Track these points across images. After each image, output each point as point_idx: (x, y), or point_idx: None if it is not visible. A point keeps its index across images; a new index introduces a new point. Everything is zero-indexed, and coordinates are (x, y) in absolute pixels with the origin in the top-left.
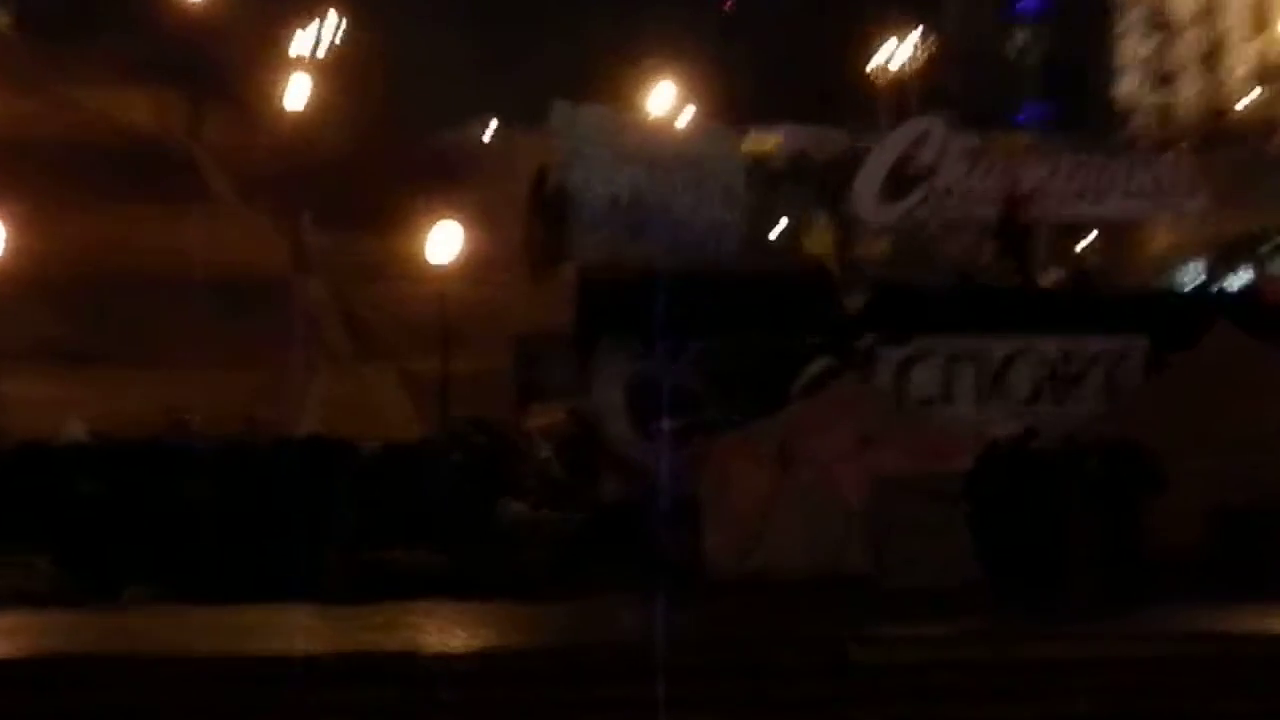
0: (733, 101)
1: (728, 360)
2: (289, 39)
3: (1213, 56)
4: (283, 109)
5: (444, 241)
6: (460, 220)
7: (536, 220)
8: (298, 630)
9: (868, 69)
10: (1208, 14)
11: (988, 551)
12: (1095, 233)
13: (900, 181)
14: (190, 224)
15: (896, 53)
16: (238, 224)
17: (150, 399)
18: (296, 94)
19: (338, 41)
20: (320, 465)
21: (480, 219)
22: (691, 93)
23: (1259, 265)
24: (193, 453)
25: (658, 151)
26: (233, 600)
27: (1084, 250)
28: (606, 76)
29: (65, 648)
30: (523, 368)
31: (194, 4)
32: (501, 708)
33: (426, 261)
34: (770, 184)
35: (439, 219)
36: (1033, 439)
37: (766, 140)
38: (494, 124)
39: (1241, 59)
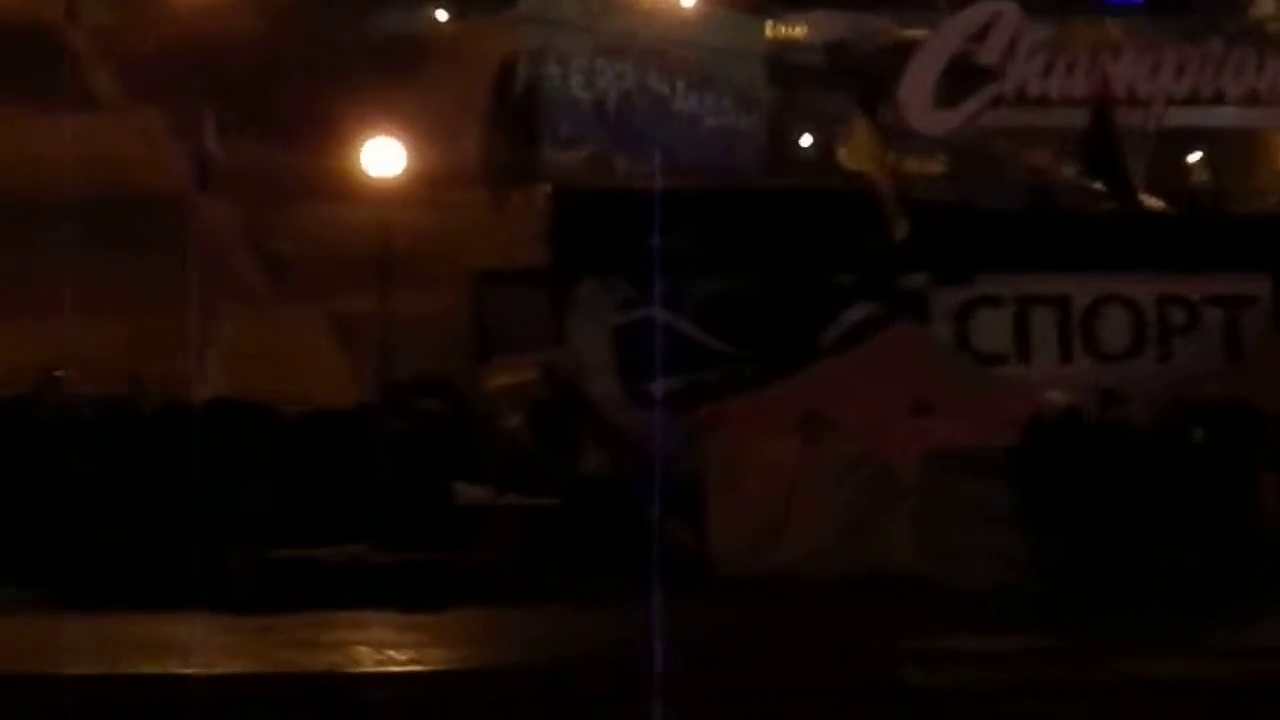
0: None
1: (742, 304)
2: None
3: None
4: None
5: (384, 155)
6: (404, 129)
7: (499, 129)
8: (197, 646)
9: None
10: None
11: (1043, 549)
12: (1208, 145)
13: (960, 81)
14: (62, 130)
15: None
16: (122, 130)
17: (11, 352)
18: None
19: None
20: (226, 436)
21: (430, 127)
22: None
23: None
24: (66, 421)
25: (655, 40)
26: (117, 608)
27: (1193, 167)
28: None
29: None
30: (482, 313)
31: None
32: None
33: (362, 179)
34: (797, 83)
35: (376, 128)
36: (1115, 404)
37: (793, 28)
38: (445, 7)
39: None
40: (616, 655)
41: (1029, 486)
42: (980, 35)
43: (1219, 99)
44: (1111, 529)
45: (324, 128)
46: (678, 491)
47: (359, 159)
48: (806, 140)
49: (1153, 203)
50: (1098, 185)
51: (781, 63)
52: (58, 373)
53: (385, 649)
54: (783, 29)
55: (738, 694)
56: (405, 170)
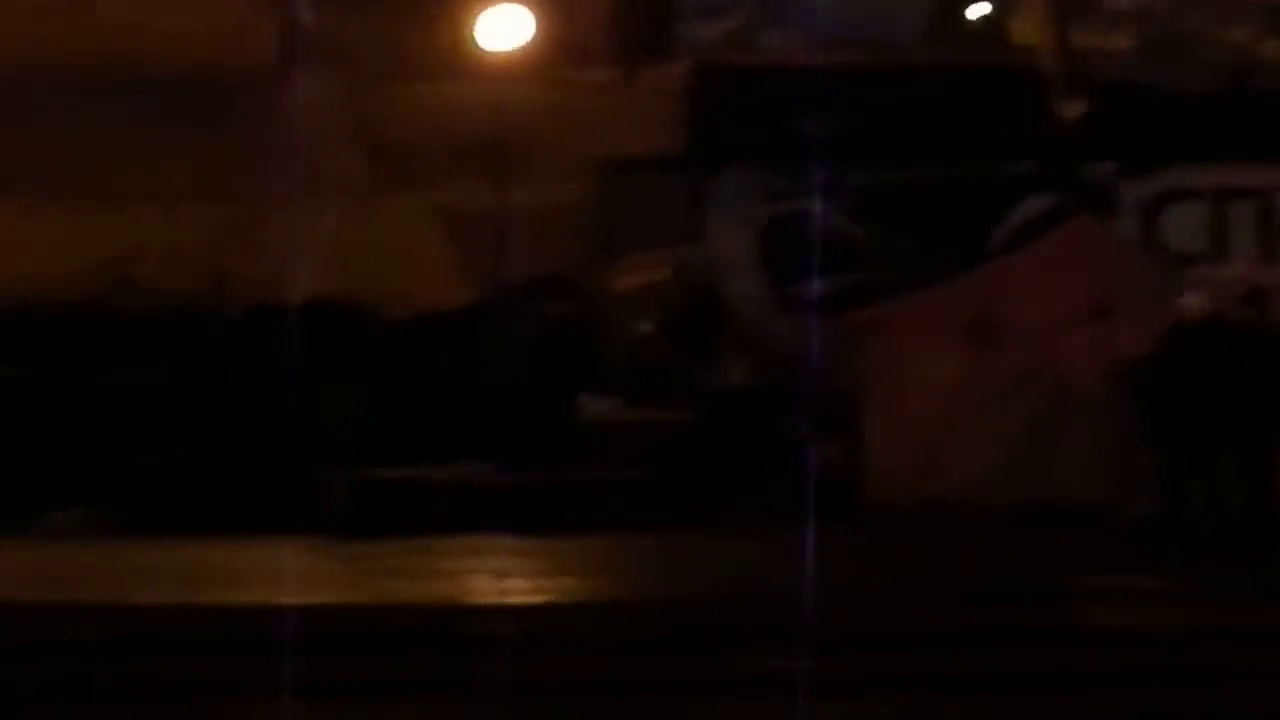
0: None
1: (903, 196)
2: None
3: None
4: None
5: (502, 25)
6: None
7: None
8: (289, 574)
9: None
10: None
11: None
12: None
13: None
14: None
15: None
16: None
17: (81, 246)
18: None
19: None
20: (321, 341)
21: None
22: None
23: None
24: (142, 322)
25: None
26: (198, 532)
27: None
28: None
29: None
30: (610, 205)
31: None
32: (574, 683)
33: (476, 53)
34: None
35: None
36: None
37: None
38: None
39: None
40: (758, 590)
41: (1159, 398)
42: None
43: None
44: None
45: None
46: (828, 406)
47: (473, 30)
48: (976, 10)
49: None
50: None
51: None
52: (132, 269)
53: (503, 578)
54: None
55: (894, 637)
56: (525, 43)
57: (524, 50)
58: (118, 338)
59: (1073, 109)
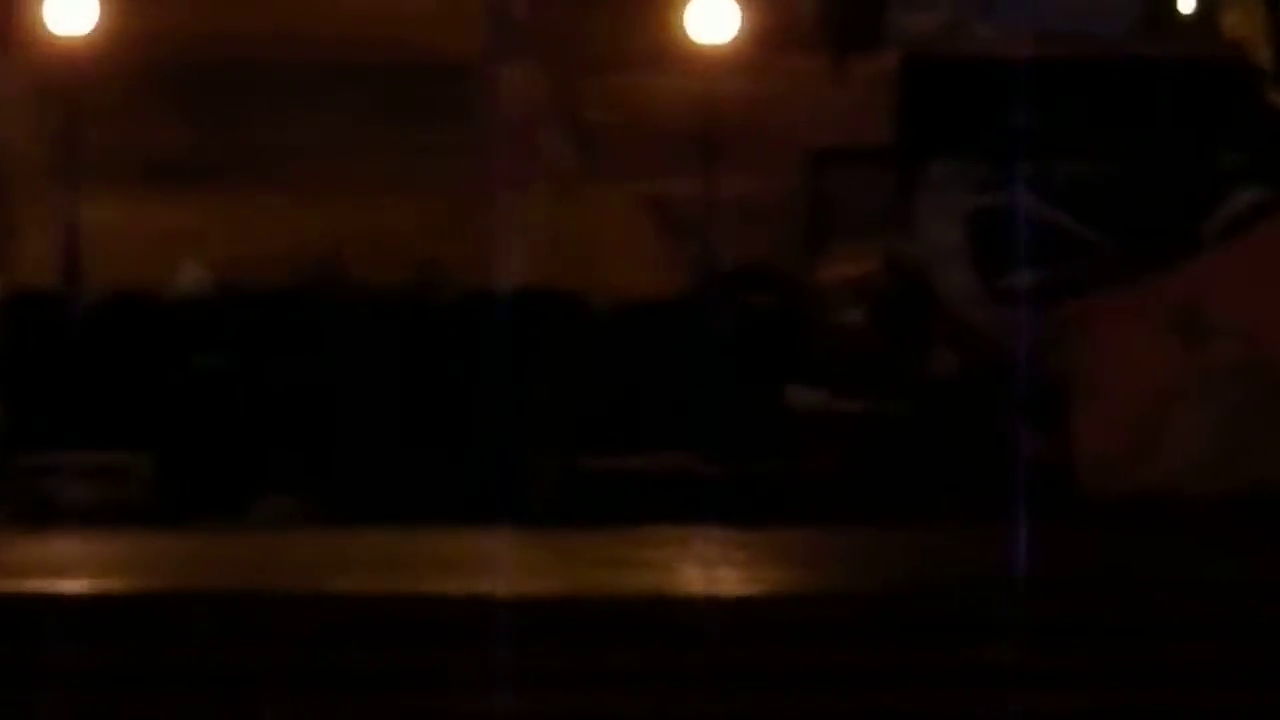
0: None
1: (1114, 188)
2: None
3: None
4: None
5: (712, 16)
6: None
7: None
8: (498, 564)
9: None
10: None
11: None
12: None
13: None
14: None
15: None
16: None
17: (291, 233)
18: None
19: None
20: (530, 330)
21: None
22: None
23: None
24: (349, 312)
25: None
26: (404, 521)
27: None
28: None
29: (170, 583)
30: (819, 195)
31: None
32: (785, 674)
33: (687, 43)
34: None
35: None
36: None
37: None
38: None
39: None
40: (969, 582)
41: None
42: None
43: None
44: None
45: None
46: (1038, 398)
47: (683, 20)
48: (1188, 2)
49: None
50: None
51: None
52: (341, 257)
53: (711, 569)
54: None
55: (1106, 630)
56: (735, 33)
57: (733, 40)
58: (326, 327)
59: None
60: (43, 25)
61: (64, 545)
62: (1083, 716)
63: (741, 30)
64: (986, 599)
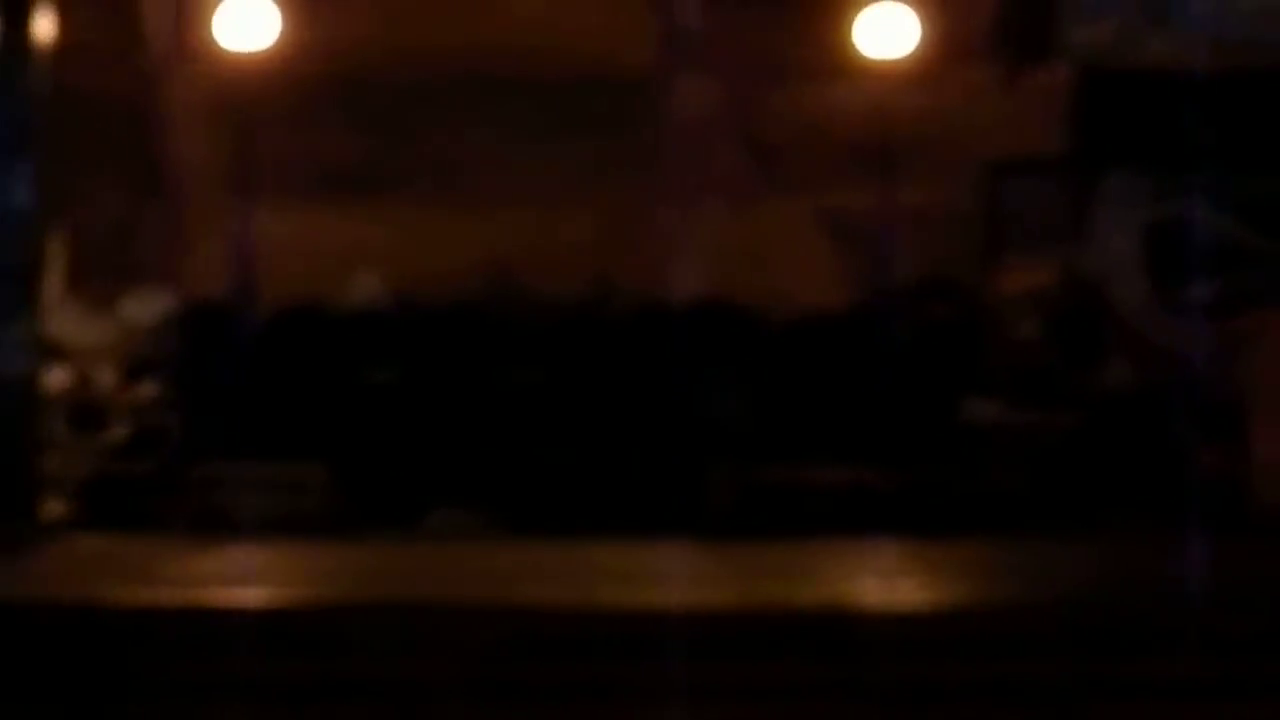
0: None
1: None
2: None
3: None
4: None
5: (887, 27)
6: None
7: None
8: (674, 575)
9: None
10: None
11: None
12: None
13: None
14: (524, 4)
15: None
16: (588, 1)
17: (465, 246)
18: None
19: None
20: (706, 342)
21: None
22: None
23: None
24: (526, 323)
25: None
26: (578, 533)
27: None
28: None
29: (345, 593)
30: (994, 207)
31: None
32: (964, 685)
33: (859, 54)
34: None
35: None
36: None
37: None
38: None
39: None
40: (1145, 595)
41: None
42: None
43: None
44: None
45: None
46: (1214, 411)
47: (857, 32)
48: None
49: None
50: None
51: None
52: (516, 269)
53: (888, 581)
54: None
55: None
56: (910, 46)
57: (908, 52)
58: (498, 340)
59: None
60: (217, 40)
61: (238, 557)
62: None
63: (917, 42)
64: (1163, 612)
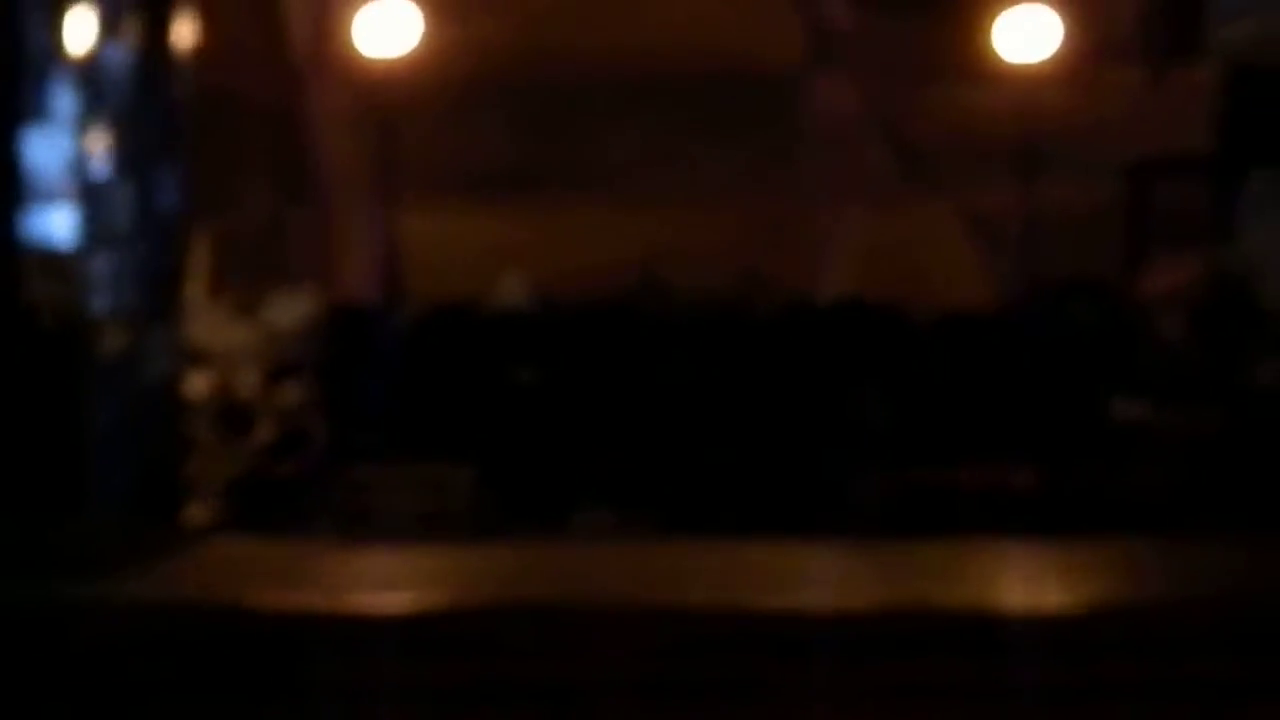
0: None
1: None
2: None
3: None
4: None
5: (1029, 29)
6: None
7: None
8: (824, 576)
9: None
10: None
11: None
12: None
13: None
14: (669, 4)
15: None
16: (734, 2)
17: (611, 245)
18: None
19: None
20: (854, 341)
21: None
22: None
23: None
24: (673, 322)
25: None
26: (726, 533)
27: None
28: None
29: (493, 595)
30: (1139, 206)
31: None
32: (1112, 686)
33: (1002, 56)
34: None
35: None
36: None
37: None
38: None
39: None
40: None
41: None
42: None
43: None
44: None
45: None
46: None
47: (1000, 33)
48: None
49: None
50: None
51: None
52: (663, 268)
53: (1037, 581)
54: None
55: None
56: (1052, 45)
57: (1052, 53)
58: (645, 339)
59: None
60: (360, 43)
61: (385, 559)
62: None
63: (1060, 42)
64: None
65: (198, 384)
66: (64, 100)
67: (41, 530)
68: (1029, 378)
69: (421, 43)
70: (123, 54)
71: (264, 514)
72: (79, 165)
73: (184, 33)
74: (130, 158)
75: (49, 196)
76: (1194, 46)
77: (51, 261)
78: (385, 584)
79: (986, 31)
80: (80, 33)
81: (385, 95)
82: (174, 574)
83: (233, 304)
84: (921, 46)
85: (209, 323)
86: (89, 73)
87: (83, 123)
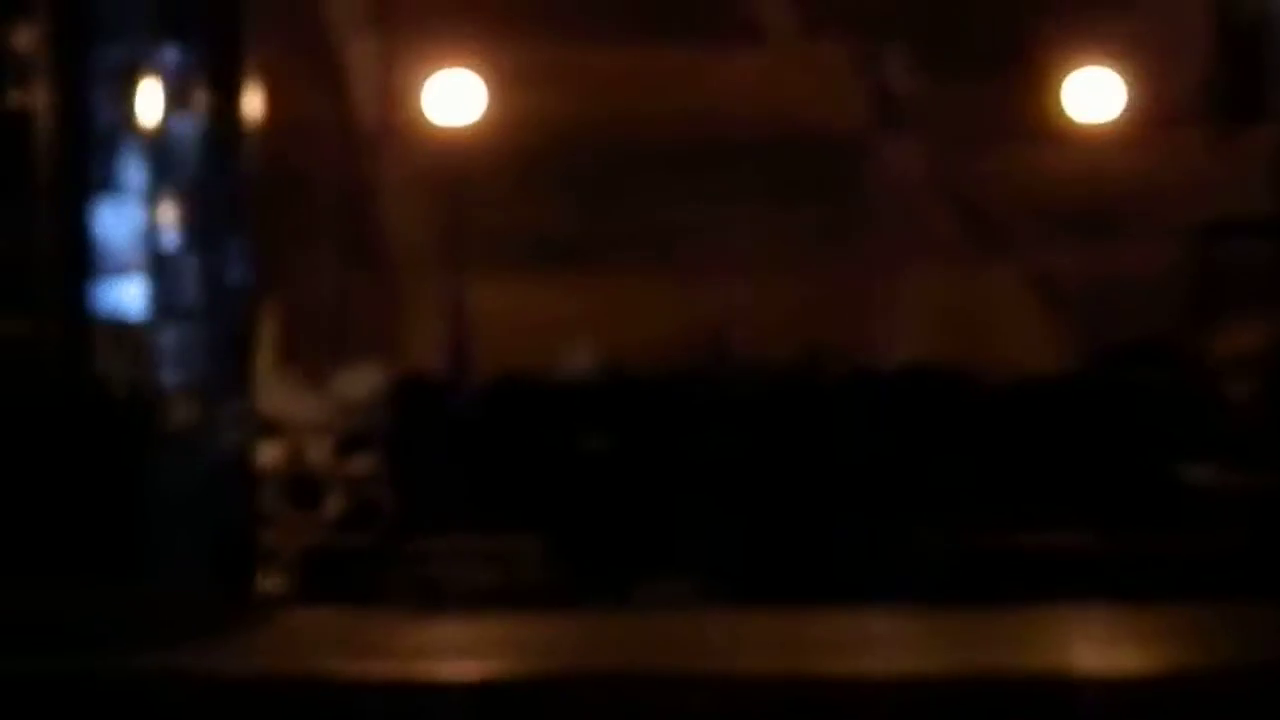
0: None
1: None
2: None
3: None
4: None
5: (1095, 92)
6: (1117, 62)
7: (1224, 60)
8: (891, 643)
9: None
10: None
11: None
12: None
13: None
14: (734, 71)
15: None
16: (798, 67)
17: (677, 314)
18: None
19: None
20: (920, 408)
21: (1143, 60)
22: None
23: None
24: (739, 391)
25: None
26: (793, 601)
27: None
28: None
29: (561, 665)
30: (1206, 268)
31: None
32: None
33: (1068, 119)
34: None
35: (1085, 60)
36: None
37: None
38: None
39: None
40: None
41: None
42: None
43: None
44: None
45: (1026, 60)
46: None
47: (1065, 96)
48: None
49: None
50: None
51: None
52: (728, 337)
53: (1106, 647)
54: None
55: None
56: (1117, 108)
57: (1115, 115)
58: (714, 407)
59: None
60: (425, 115)
61: (454, 629)
62: None
63: (1125, 105)
64: None
65: (269, 455)
66: (133, 173)
67: (114, 601)
68: (1097, 442)
69: (486, 113)
70: (191, 127)
71: (335, 585)
72: (148, 237)
73: (252, 105)
74: (199, 230)
75: (118, 269)
76: (1258, 109)
77: (121, 334)
78: (454, 653)
79: (1053, 94)
80: (149, 106)
81: (450, 165)
82: (247, 644)
83: (302, 375)
84: (987, 110)
85: (279, 394)
86: (158, 145)
87: (152, 195)
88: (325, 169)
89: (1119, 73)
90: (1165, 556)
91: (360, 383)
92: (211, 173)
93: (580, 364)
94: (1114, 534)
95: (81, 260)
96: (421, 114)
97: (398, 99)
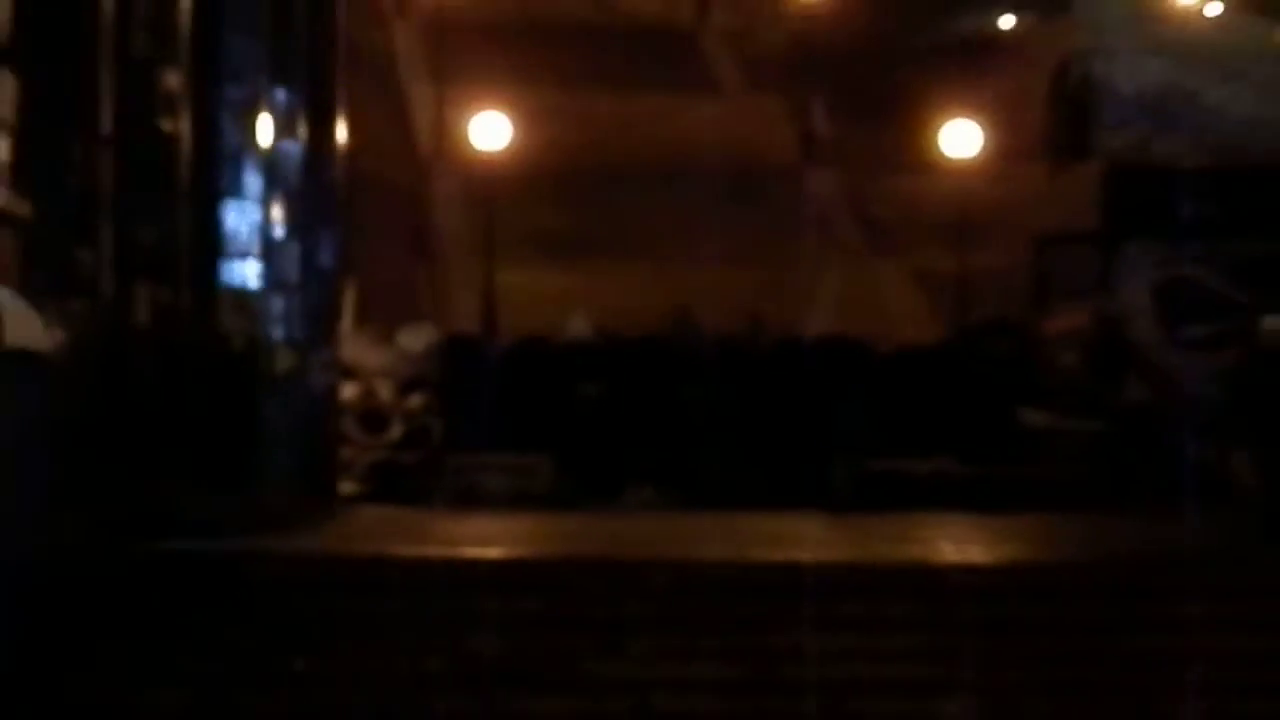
0: None
1: (1264, 264)
2: None
3: None
4: None
5: (961, 135)
6: (978, 114)
7: (1057, 114)
8: (806, 539)
9: None
10: None
11: None
12: None
13: None
14: (697, 114)
15: None
16: (746, 113)
17: (653, 293)
18: None
19: None
20: (832, 367)
21: (999, 112)
22: None
23: None
24: (699, 353)
25: (1187, 43)
26: (735, 507)
27: None
28: None
29: (564, 551)
30: (1042, 268)
31: None
32: (1028, 625)
33: (942, 155)
34: None
35: (955, 111)
36: None
37: None
38: (1013, 13)
39: None
40: (1155, 556)
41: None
42: None
43: None
44: None
45: (911, 111)
46: (1205, 421)
47: (940, 138)
48: None
49: None
50: None
51: None
52: (692, 312)
53: (963, 544)
54: None
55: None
56: (978, 148)
57: (978, 152)
58: (680, 364)
59: None
60: (469, 143)
61: (484, 524)
62: (1252, 655)
63: (984, 146)
64: (1165, 568)
65: (348, 393)
66: (251, 181)
67: (230, 500)
68: (961, 395)
69: (512, 142)
70: (295, 148)
71: (396, 489)
72: (261, 230)
73: (340, 131)
74: (299, 225)
75: (239, 253)
76: (1083, 150)
77: (240, 301)
78: (485, 541)
79: (931, 137)
80: (264, 132)
81: (485, 181)
82: (331, 532)
83: (373, 334)
84: (883, 147)
85: (356, 347)
86: (270, 162)
87: (264, 198)
88: (393, 181)
89: (979, 122)
90: (1009, 480)
91: (417, 340)
92: (309, 182)
93: (579, 330)
94: (973, 462)
95: (212, 246)
96: (465, 142)
97: (447, 131)
